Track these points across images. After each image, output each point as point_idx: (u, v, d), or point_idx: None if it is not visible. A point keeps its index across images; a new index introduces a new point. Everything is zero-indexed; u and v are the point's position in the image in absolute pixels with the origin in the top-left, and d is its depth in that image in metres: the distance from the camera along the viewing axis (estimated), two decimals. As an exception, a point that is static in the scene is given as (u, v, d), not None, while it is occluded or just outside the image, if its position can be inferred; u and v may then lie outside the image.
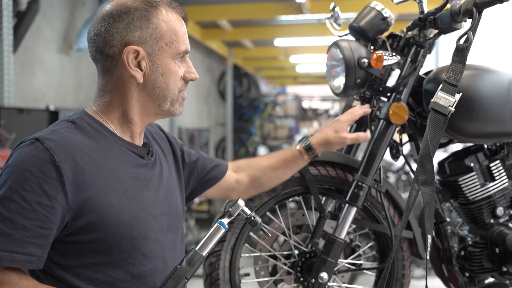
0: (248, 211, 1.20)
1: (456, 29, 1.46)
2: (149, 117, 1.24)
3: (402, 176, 5.25)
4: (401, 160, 1.68)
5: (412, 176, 4.29)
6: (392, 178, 5.08)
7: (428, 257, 1.26)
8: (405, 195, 3.80)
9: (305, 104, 14.06)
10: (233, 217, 1.17)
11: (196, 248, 1.12)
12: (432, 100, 1.32)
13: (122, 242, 1.11)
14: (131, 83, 1.17)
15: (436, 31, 1.52)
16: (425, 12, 1.51)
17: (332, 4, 1.83)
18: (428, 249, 1.26)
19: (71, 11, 4.69)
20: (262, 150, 10.25)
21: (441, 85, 1.34)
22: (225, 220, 1.16)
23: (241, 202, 1.18)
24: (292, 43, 8.56)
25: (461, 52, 1.33)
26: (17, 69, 3.77)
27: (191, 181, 1.44)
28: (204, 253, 1.12)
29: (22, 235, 1.01)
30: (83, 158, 1.09)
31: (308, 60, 10.53)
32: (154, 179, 1.24)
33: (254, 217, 1.21)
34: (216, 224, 1.14)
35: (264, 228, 1.28)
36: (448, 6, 1.45)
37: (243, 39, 8.26)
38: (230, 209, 1.18)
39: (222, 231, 1.14)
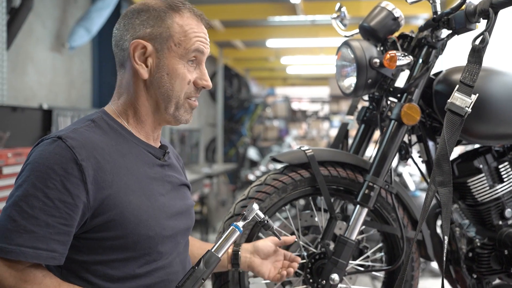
0: (261, 215, 1.24)
1: (470, 29, 1.46)
2: (159, 121, 1.24)
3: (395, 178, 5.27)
4: (394, 162, 1.68)
5: (406, 178, 4.24)
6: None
7: (445, 258, 1.25)
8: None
9: (295, 106, 14.08)
10: (248, 220, 1.21)
11: (213, 250, 1.15)
12: (448, 100, 1.32)
13: (140, 240, 1.13)
14: (140, 79, 1.19)
15: (449, 31, 1.52)
16: (439, 12, 1.51)
17: (338, 4, 1.82)
18: (445, 250, 1.25)
19: (63, 9, 4.62)
20: (252, 151, 10.22)
21: (457, 86, 1.33)
22: (240, 223, 1.19)
23: (255, 206, 1.23)
24: (284, 44, 8.56)
25: (477, 53, 1.32)
26: (9, 67, 3.70)
27: None
28: (220, 255, 1.15)
29: (46, 232, 1.03)
30: (104, 156, 1.11)
31: (299, 61, 10.55)
32: (171, 180, 1.26)
33: (267, 221, 1.25)
34: (232, 227, 1.18)
35: (276, 232, 1.30)
36: (463, 6, 1.44)
37: (234, 40, 8.24)
38: (244, 212, 1.22)
39: (237, 233, 1.18)
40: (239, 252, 1.44)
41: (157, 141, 1.28)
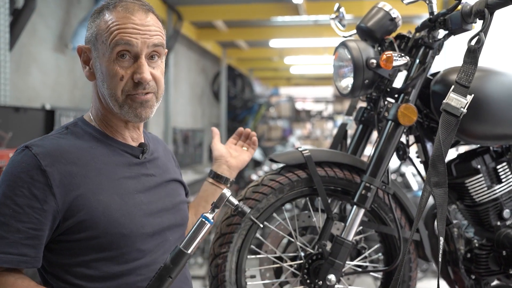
0: (235, 201, 1.13)
1: (467, 30, 1.45)
2: (121, 120, 1.23)
3: (397, 178, 5.26)
4: (397, 162, 1.69)
5: (409, 178, 4.24)
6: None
7: (440, 259, 1.25)
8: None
9: (299, 106, 14.07)
10: (219, 209, 1.11)
11: (180, 246, 1.07)
12: (444, 101, 1.32)
13: (114, 239, 1.14)
14: (92, 83, 1.23)
15: (446, 32, 1.52)
16: (435, 13, 1.51)
17: (337, 5, 1.82)
18: (441, 251, 1.25)
19: (67, 10, 4.64)
20: (255, 151, 10.21)
21: (453, 86, 1.33)
22: (210, 215, 1.09)
23: (226, 193, 1.11)
24: (287, 44, 8.56)
25: (472, 53, 1.32)
26: (12, 68, 3.72)
27: None
28: (189, 251, 1.07)
29: (16, 237, 1.07)
30: (72, 160, 1.13)
31: (302, 61, 10.54)
32: (152, 177, 1.26)
33: (241, 207, 1.14)
34: (201, 219, 1.08)
35: (254, 218, 1.21)
36: (459, 7, 1.44)
37: (238, 40, 8.24)
38: (214, 201, 1.11)
39: (208, 226, 1.08)
40: (218, 172, 1.53)
41: (138, 140, 1.28)
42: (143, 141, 1.29)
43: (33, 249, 1.08)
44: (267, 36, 7.99)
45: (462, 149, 2.09)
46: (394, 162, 1.64)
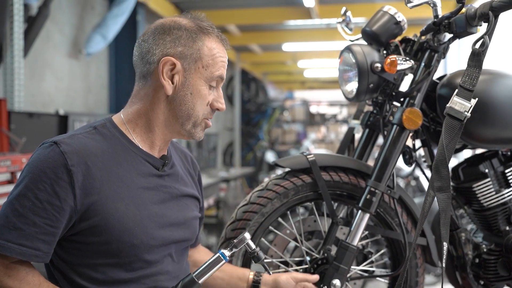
0: (252, 246, 1.23)
1: (472, 33, 1.44)
2: (171, 133, 1.27)
3: (411, 182, 5.22)
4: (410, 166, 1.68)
5: (423, 182, 4.23)
6: (401, 184, 5.05)
7: (444, 265, 1.24)
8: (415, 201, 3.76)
9: (313, 109, 14.03)
10: (237, 249, 1.20)
11: (194, 275, 1.15)
12: (447, 105, 1.31)
13: (124, 248, 1.16)
14: (161, 93, 1.22)
15: (451, 35, 1.50)
16: (440, 16, 1.50)
17: (344, 9, 1.82)
18: (444, 256, 1.23)
19: (81, 16, 4.71)
20: (270, 155, 10.23)
21: (456, 90, 1.32)
22: (227, 252, 1.18)
23: (247, 236, 1.20)
24: (300, 48, 8.55)
25: (477, 57, 1.31)
26: (27, 74, 3.79)
27: None
28: (201, 281, 1.15)
29: (32, 231, 1.09)
30: (96, 163, 1.14)
31: (316, 65, 10.53)
32: (168, 190, 1.27)
33: (257, 253, 1.23)
34: (218, 255, 1.17)
35: (266, 265, 1.26)
36: (463, 10, 1.43)
37: (251, 44, 8.27)
38: (234, 241, 1.20)
39: (222, 262, 1.17)
40: (259, 286, 1.43)
41: (163, 151, 1.29)
42: (165, 153, 1.30)
43: (46, 244, 1.10)
44: (280, 40, 8.01)
45: (478, 150, 2.06)
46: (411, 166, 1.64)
